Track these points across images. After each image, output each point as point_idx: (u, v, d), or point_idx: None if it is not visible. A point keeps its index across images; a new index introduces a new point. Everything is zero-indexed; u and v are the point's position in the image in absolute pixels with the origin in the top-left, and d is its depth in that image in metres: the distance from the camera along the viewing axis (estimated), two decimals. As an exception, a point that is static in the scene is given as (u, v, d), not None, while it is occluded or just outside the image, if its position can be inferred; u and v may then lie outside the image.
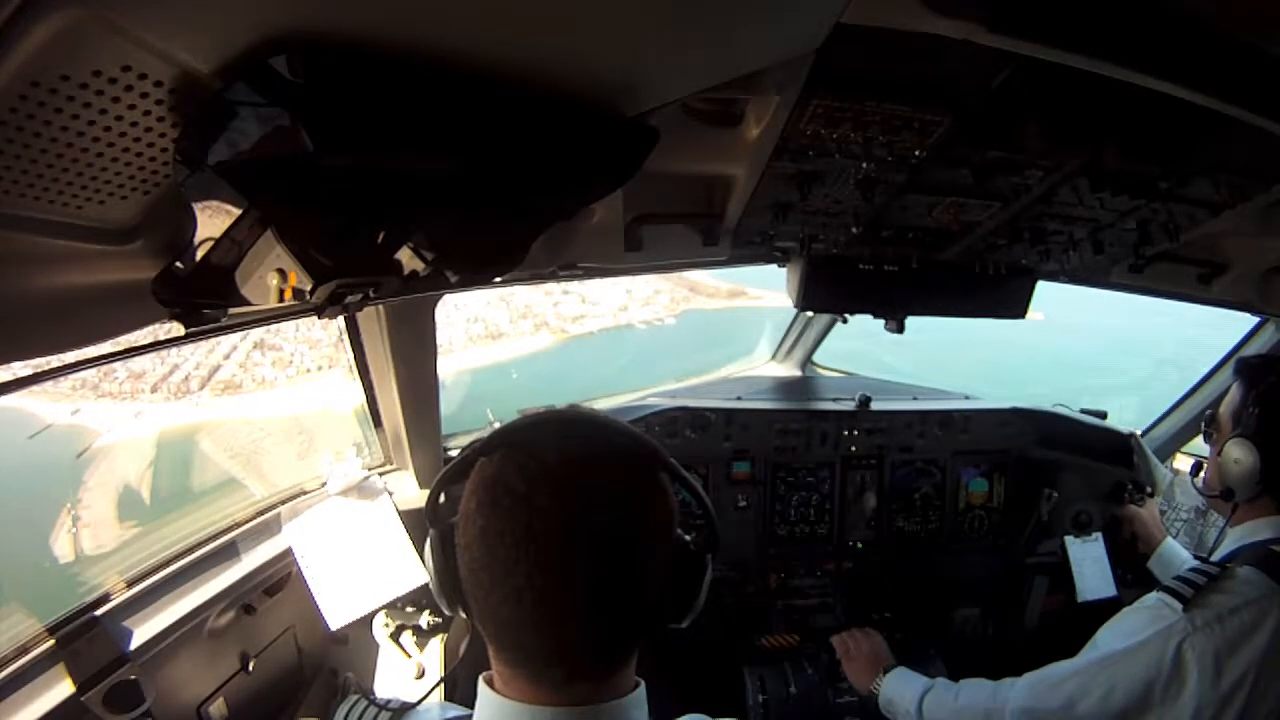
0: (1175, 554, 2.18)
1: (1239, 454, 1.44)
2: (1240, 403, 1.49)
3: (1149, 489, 2.48)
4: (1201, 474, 1.63)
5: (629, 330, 7.88)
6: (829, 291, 1.90)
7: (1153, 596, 1.38)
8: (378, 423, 2.08)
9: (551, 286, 7.15)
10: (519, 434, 0.72)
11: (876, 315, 2.03)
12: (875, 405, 2.56)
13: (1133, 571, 2.38)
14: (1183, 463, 2.78)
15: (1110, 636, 1.41)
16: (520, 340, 7.30)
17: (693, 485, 0.78)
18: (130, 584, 1.58)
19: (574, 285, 7.44)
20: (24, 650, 1.36)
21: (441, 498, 0.79)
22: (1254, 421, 1.44)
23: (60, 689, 1.34)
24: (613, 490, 0.69)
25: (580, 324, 7.69)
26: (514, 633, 0.69)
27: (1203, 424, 1.63)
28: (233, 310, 0.94)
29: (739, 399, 2.56)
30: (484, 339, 7.12)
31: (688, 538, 0.76)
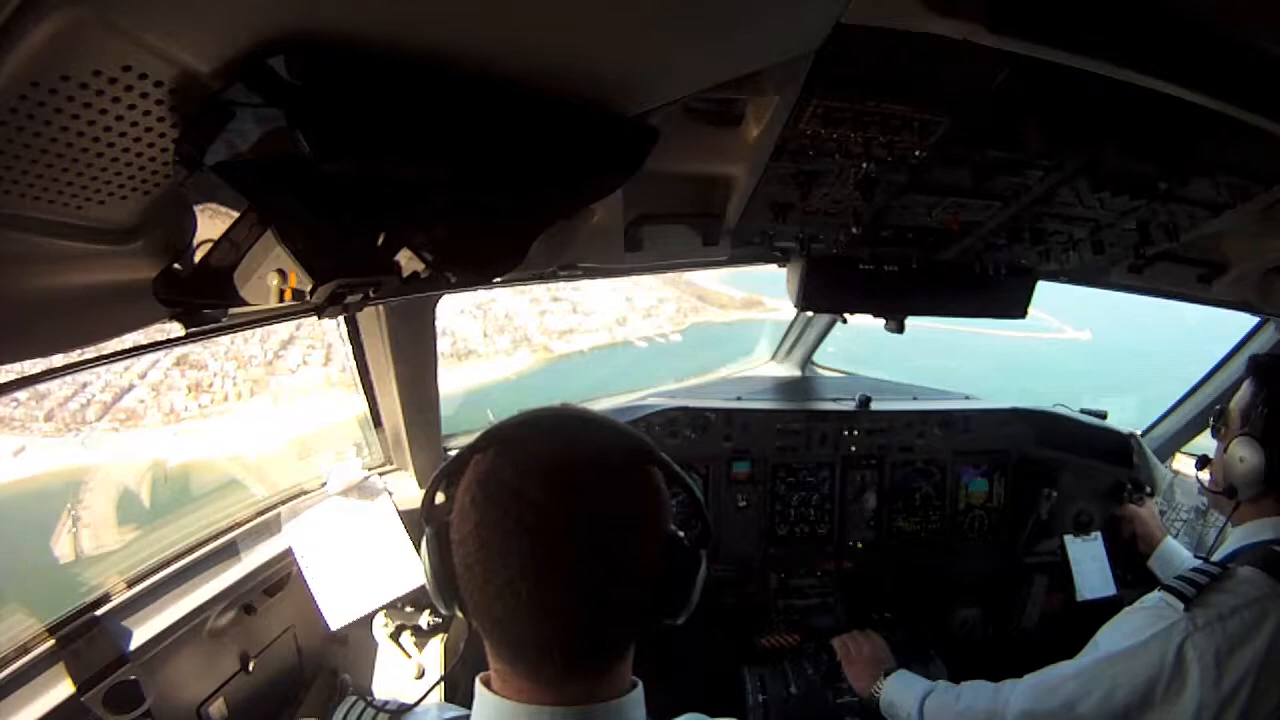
0: (1176, 553, 2.18)
1: (1244, 453, 1.45)
2: (1250, 401, 1.49)
3: (1149, 489, 2.48)
4: (1207, 470, 1.63)
5: (626, 347, 6.92)
6: (829, 291, 1.91)
7: (1154, 596, 1.38)
8: (378, 423, 2.07)
9: (540, 294, 6.40)
10: (512, 431, 0.73)
11: (876, 315, 2.03)
12: (875, 405, 2.57)
13: (1133, 571, 2.38)
14: (1183, 463, 2.78)
15: (1111, 636, 1.41)
16: (494, 361, 6.24)
17: (686, 481, 0.78)
18: (130, 584, 1.57)
19: (565, 293, 6.70)
20: (24, 650, 1.36)
21: (439, 497, 0.79)
22: (1262, 422, 1.44)
23: (60, 689, 1.34)
24: (605, 484, 0.70)
25: (568, 340, 6.73)
26: (510, 628, 0.69)
27: (1211, 419, 1.62)
28: (233, 310, 0.94)
29: (739, 399, 2.56)
30: (449, 358, 6.04)
31: (682, 534, 0.76)
